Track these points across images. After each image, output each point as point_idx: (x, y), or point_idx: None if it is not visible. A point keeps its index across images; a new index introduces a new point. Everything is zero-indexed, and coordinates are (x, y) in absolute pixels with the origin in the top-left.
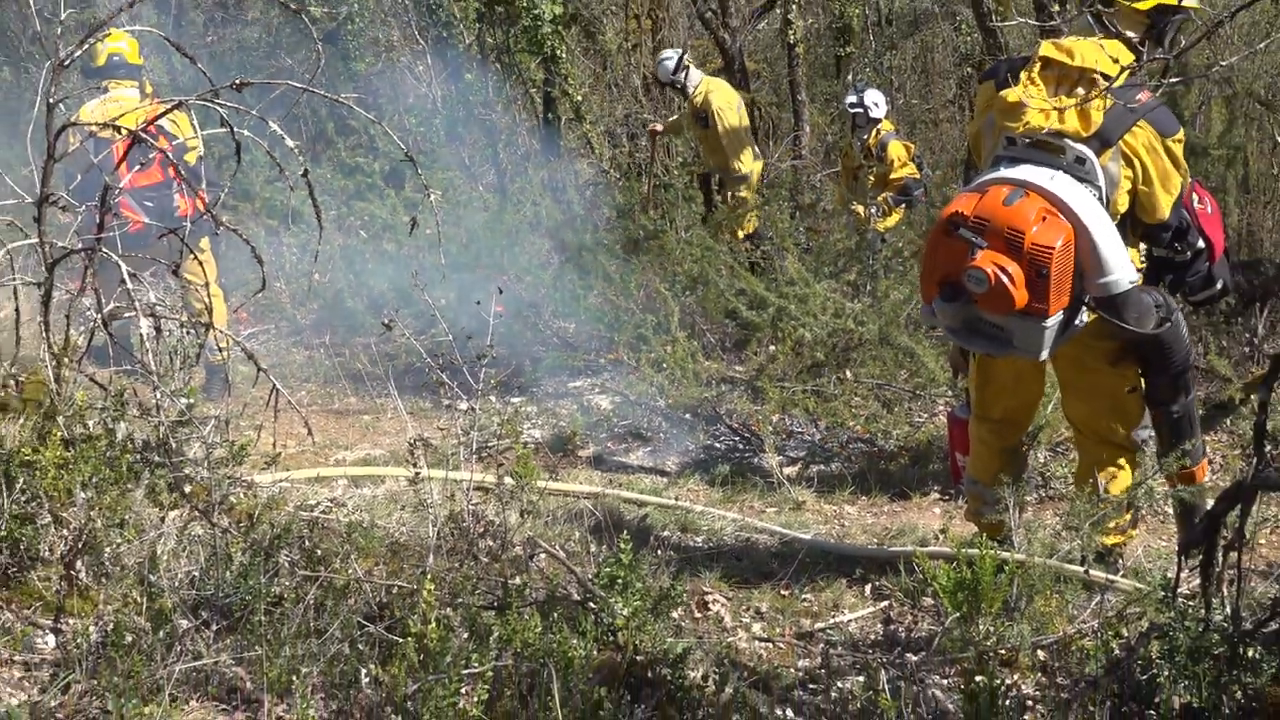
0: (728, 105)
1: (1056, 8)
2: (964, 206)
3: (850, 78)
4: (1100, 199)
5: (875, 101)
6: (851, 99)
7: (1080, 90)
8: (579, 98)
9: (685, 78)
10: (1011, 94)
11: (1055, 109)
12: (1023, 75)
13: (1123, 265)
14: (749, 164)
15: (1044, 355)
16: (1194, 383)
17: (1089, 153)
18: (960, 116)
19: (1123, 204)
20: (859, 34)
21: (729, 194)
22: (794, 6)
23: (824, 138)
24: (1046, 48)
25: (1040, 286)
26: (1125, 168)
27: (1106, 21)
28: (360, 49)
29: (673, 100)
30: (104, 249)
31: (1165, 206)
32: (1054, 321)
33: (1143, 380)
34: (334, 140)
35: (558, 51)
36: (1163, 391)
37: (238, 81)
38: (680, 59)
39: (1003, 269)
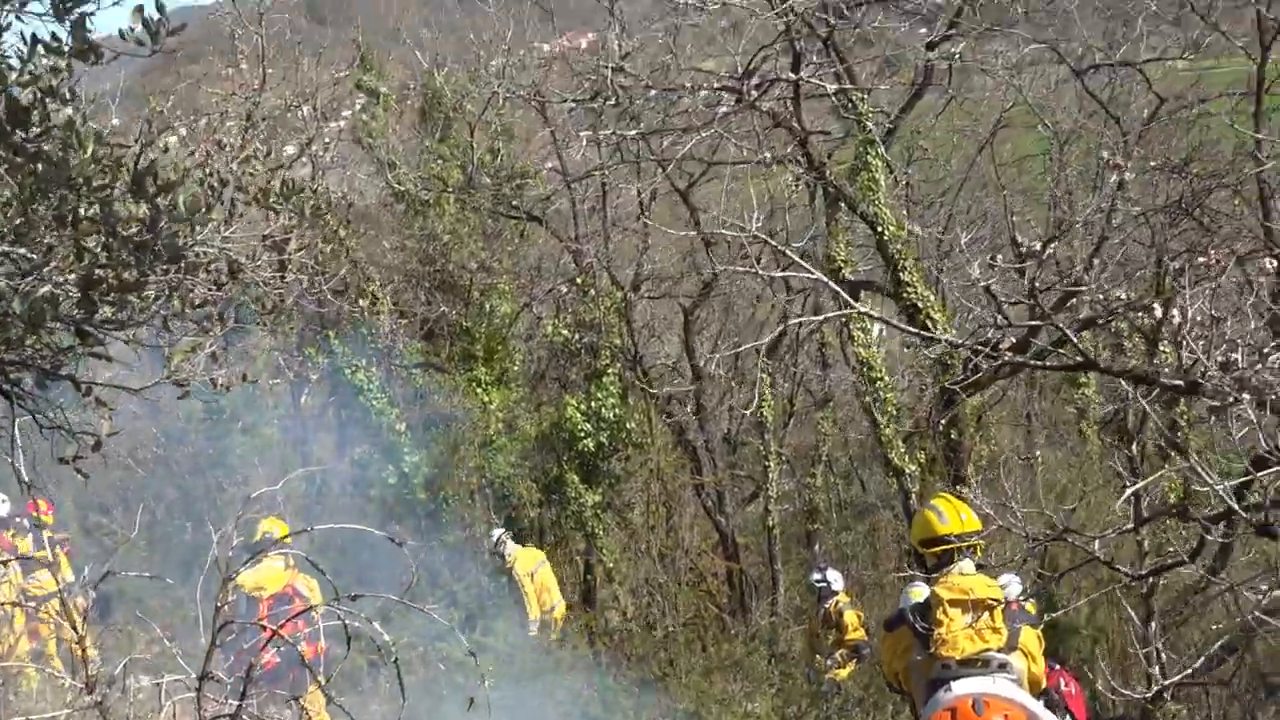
0: (523, 571)
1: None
2: None
3: (818, 548)
4: (1018, 684)
5: (835, 578)
6: (816, 576)
7: (986, 615)
8: (611, 564)
9: (504, 549)
10: (941, 635)
11: (976, 634)
12: (939, 615)
13: None
14: (533, 613)
15: None
16: None
17: (1007, 658)
18: (900, 583)
19: (1025, 684)
20: (824, 513)
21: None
22: (772, 499)
23: (794, 599)
24: (945, 594)
25: None
26: (1024, 658)
27: (979, 562)
28: (450, 523)
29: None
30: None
31: (1043, 672)
32: None
33: None
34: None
35: (596, 529)
36: None
37: (353, 595)
38: (500, 537)
39: None
